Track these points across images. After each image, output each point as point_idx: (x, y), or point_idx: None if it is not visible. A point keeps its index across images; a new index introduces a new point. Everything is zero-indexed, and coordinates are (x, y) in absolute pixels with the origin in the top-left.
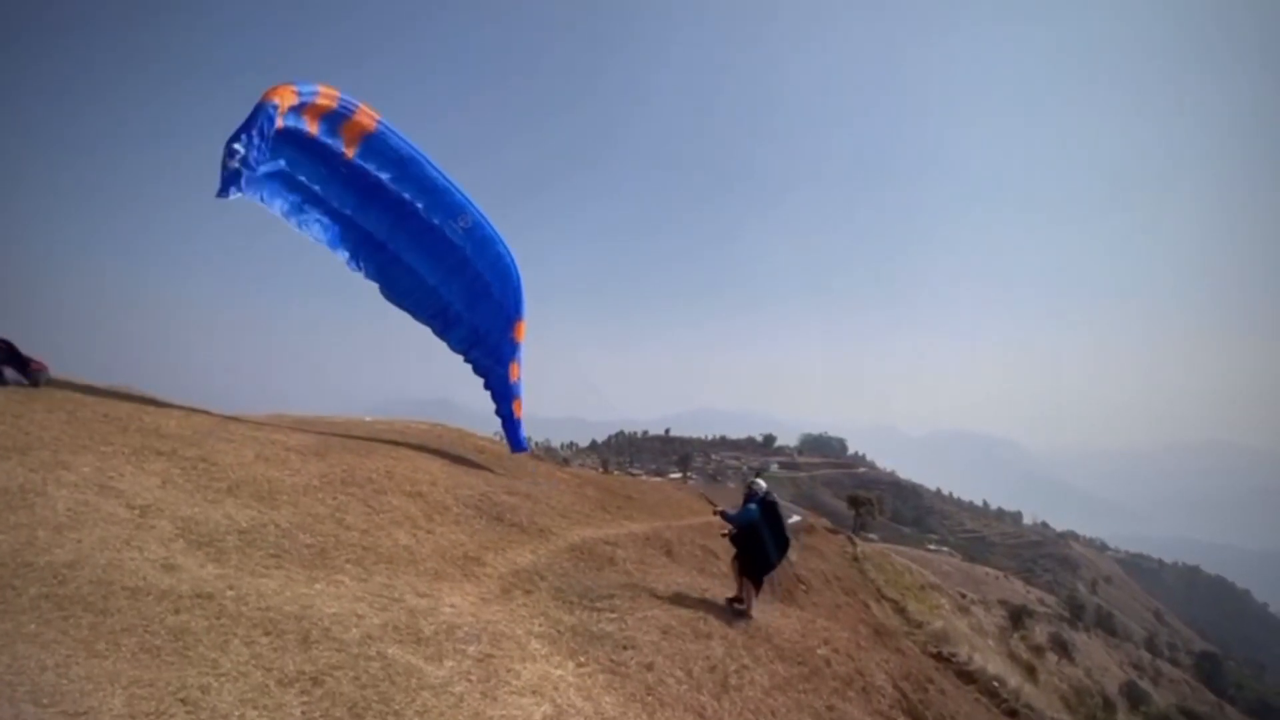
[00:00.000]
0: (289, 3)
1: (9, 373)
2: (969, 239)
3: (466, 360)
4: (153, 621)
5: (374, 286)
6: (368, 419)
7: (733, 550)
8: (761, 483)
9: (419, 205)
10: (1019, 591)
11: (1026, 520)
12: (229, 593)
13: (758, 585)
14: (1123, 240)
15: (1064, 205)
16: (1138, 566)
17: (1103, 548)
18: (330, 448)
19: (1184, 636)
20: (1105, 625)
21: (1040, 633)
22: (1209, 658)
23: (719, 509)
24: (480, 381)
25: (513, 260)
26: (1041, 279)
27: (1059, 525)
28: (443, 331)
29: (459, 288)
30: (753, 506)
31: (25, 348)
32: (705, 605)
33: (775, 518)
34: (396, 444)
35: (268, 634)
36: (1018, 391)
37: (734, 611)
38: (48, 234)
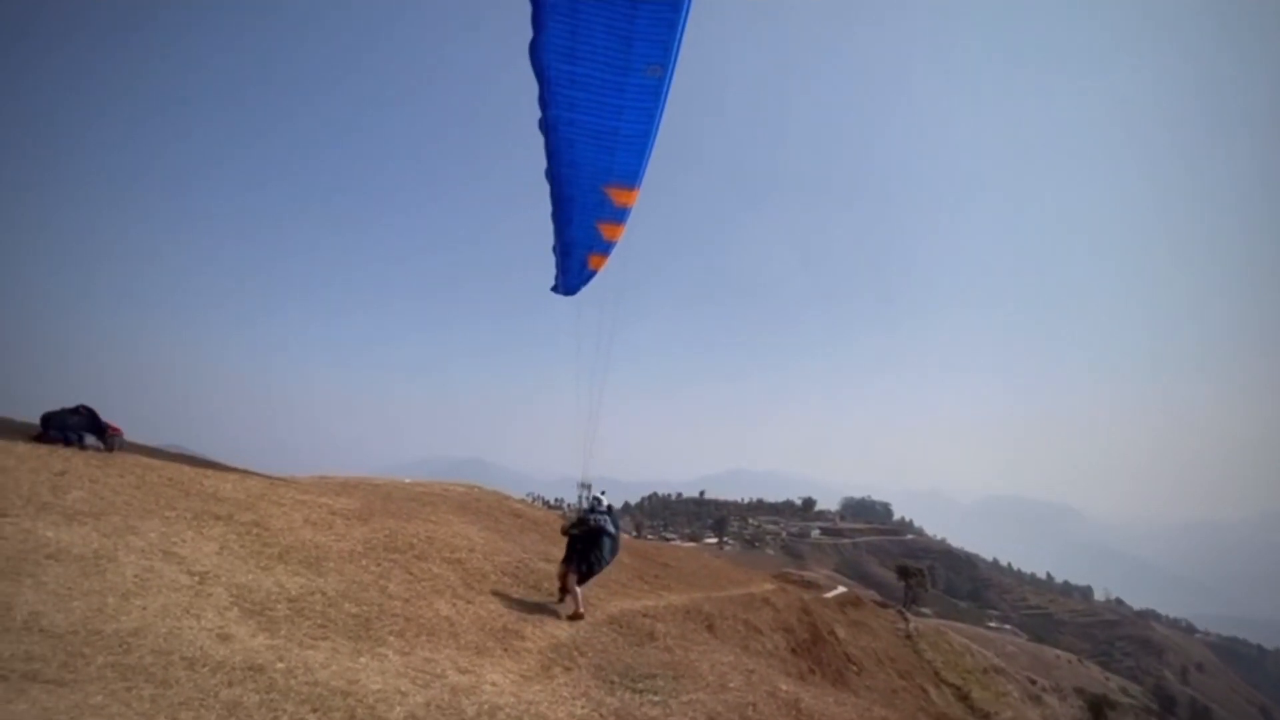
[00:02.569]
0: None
1: (89, 439)
2: (1022, 290)
3: (551, 178)
4: (208, 695)
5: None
6: (406, 481)
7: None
8: (604, 499)
9: (640, 19)
10: (1096, 678)
11: (1098, 596)
12: (279, 665)
13: (580, 579)
14: (1196, 284)
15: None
16: (1233, 653)
17: (1190, 630)
18: (373, 512)
19: None
20: None
21: None
22: None
23: (569, 525)
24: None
25: (653, 134)
26: (1106, 332)
27: (1134, 603)
28: (555, 124)
29: (599, 106)
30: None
31: (104, 414)
32: (753, 690)
33: (595, 543)
34: (436, 507)
35: (315, 710)
36: (1078, 455)
37: (561, 612)
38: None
